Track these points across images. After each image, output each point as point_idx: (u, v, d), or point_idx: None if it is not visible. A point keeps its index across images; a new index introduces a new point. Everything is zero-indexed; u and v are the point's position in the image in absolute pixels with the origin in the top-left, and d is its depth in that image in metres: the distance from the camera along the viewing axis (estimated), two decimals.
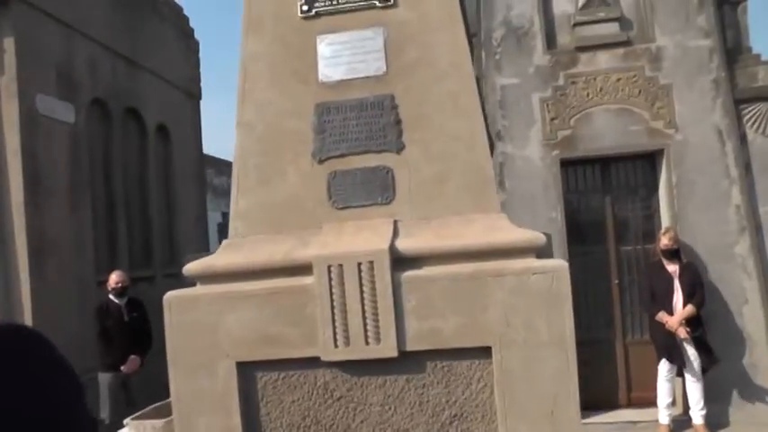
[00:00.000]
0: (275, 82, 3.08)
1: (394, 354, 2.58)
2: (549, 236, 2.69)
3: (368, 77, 2.96)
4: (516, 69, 6.44)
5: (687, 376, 5.76)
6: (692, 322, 5.66)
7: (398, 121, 2.89)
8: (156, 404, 3.87)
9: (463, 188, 2.72)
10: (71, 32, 8.02)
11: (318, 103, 3.01)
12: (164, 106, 10.76)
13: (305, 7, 3.05)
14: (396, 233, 2.77)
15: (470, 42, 2.98)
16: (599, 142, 6.30)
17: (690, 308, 5.66)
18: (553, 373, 2.43)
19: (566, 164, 6.45)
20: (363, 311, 2.64)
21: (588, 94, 6.29)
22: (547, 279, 2.37)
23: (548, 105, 6.36)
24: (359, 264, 2.66)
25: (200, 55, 13.35)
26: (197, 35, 13.04)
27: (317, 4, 3.04)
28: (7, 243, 6.86)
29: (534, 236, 2.49)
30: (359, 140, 2.96)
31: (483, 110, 2.79)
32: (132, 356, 6.56)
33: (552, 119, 6.36)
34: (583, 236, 6.70)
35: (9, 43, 6.97)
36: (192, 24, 12.74)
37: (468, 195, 2.71)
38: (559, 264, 2.40)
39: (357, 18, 2.98)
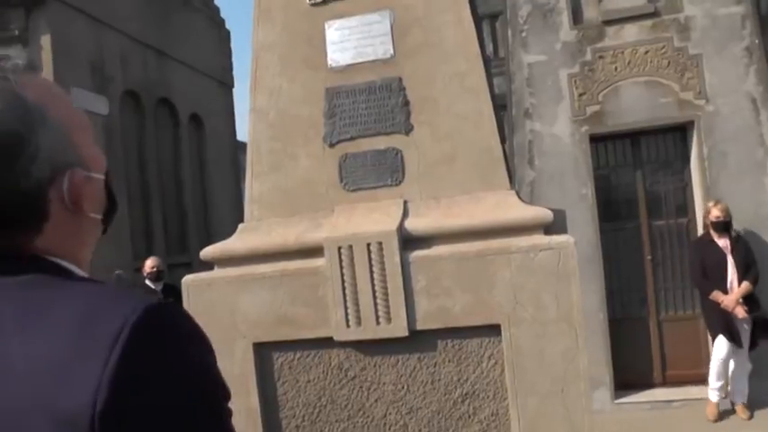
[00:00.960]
0: (285, 69, 3.12)
1: (405, 333, 2.62)
2: (561, 212, 2.67)
3: (375, 61, 2.96)
4: (543, 46, 6.35)
5: (736, 355, 5.59)
6: (748, 300, 5.48)
7: (406, 103, 2.89)
8: None
9: (471, 167, 2.72)
10: (102, 27, 8.22)
11: (328, 87, 3.03)
12: (196, 96, 10.95)
13: None
14: (405, 213, 2.79)
15: (478, 22, 2.95)
16: (628, 116, 6.18)
17: (746, 285, 5.47)
18: (562, 351, 2.42)
19: (595, 139, 6.36)
20: (374, 292, 2.68)
21: (616, 68, 6.17)
22: (554, 255, 2.36)
23: (575, 81, 6.26)
24: (368, 245, 2.69)
25: (233, 43, 13.46)
26: (230, 23, 13.17)
27: None
28: None
29: (541, 212, 2.48)
30: (368, 123, 2.98)
31: (491, 89, 2.77)
32: None
33: (580, 95, 6.26)
34: (614, 212, 6.61)
35: (46, 40, 7.19)
36: (223, 14, 12.87)
37: (477, 174, 2.70)
38: (566, 240, 2.39)
39: (364, 2, 2.99)
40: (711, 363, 5.65)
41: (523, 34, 6.33)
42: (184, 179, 10.45)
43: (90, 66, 7.89)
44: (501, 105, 6.92)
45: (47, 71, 7.09)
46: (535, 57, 6.27)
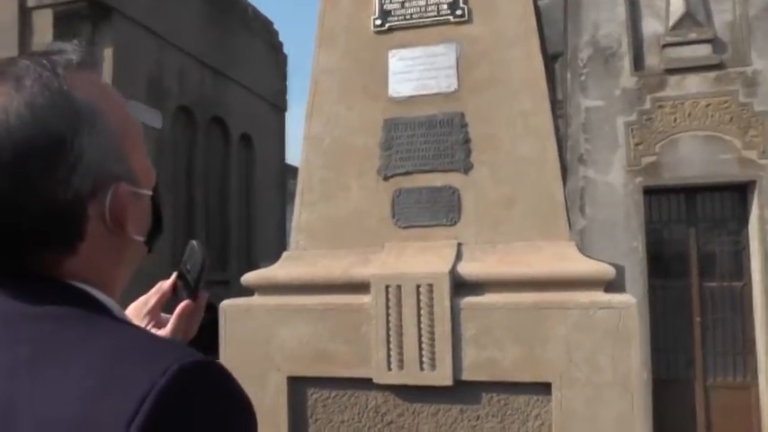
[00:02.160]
0: (344, 96, 3.05)
1: (449, 382, 2.48)
2: (621, 268, 2.52)
3: (438, 94, 2.88)
4: (602, 91, 6.21)
5: None
6: None
7: (467, 140, 2.79)
8: None
9: (531, 213, 2.59)
10: (163, 43, 8.38)
11: (387, 118, 2.95)
12: (249, 116, 11.06)
13: (378, 21, 3.01)
14: (459, 256, 2.67)
15: (547, 59, 2.85)
16: (685, 170, 5.97)
17: None
18: (617, 417, 2.25)
19: (649, 192, 6.15)
20: (420, 335, 2.55)
21: (675, 119, 5.98)
22: (614, 315, 2.20)
23: (633, 130, 6.09)
24: (417, 286, 2.57)
25: (289, 67, 13.67)
26: (287, 48, 13.40)
27: (390, 19, 3.00)
28: None
29: (603, 268, 2.33)
30: (426, 158, 2.88)
31: (557, 131, 2.65)
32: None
33: (637, 144, 6.08)
34: (665, 268, 6.35)
35: (108, 53, 7.34)
36: (281, 38, 13.10)
37: (537, 221, 2.57)
38: (627, 299, 2.23)
39: (430, 33, 2.92)
40: None
41: (582, 78, 6.21)
42: (230, 198, 10.50)
43: (148, 79, 8.03)
44: None
45: (106, 82, 7.24)
46: (593, 102, 6.13)
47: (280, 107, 12.78)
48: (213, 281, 9.09)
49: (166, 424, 0.60)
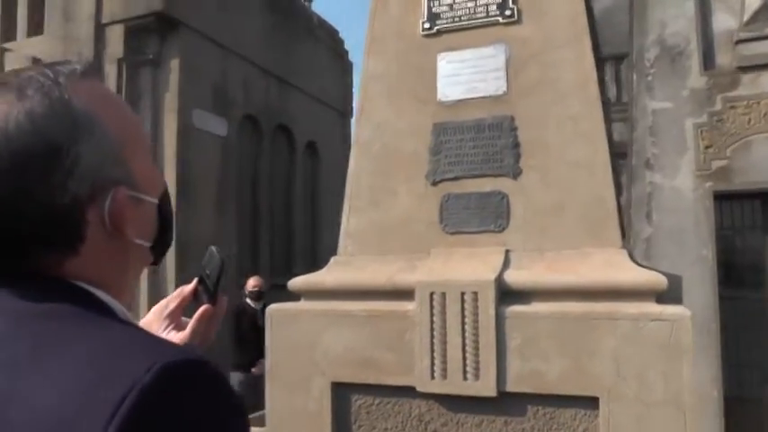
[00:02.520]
0: (393, 101, 3.03)
1: (493, 393, 2.41)
2: (677, 278, 2.39)
3: (487, 97, 2.82)
4: (669, 92, 5.95)
5: None
6: None
7: (516, 145, 2.72)
8: (262, 412, 3.94)
9: (581, 219, 2.49)
10: (229, 54, 8.60)
11: (436, 123, 2.91)
12: (314, 124, 11.22)
13: (426, 25, 2.98)
14: (506, 264, 2.60)
15: (599, 60, 2.74)
16: (759, 175, 5.63)
17: None
18: None
19: (720, 197, 5.83)
20: (464, 344, 2.49)
21: (749, 121, 5.66)
22: (665, 328, 2.08)
23: (702, 132, 5.81)
24: (462, 293, 2.51)
25: (355, 74, 13.83)
26: (353, 55, 13.54)
27: (438, 22, 2.96)
28: None
29: (655, 277, 2.21)
30: (474, 163, 2.82)
31: (609, 135, 2.54)
32: (262, 359, 6.84)
33: (707, 147, 5.79)
34: (737, 278, 6.01)
35: (174, 63, 7.60)
36: (347, 45, 13.25)
37: (586, 227, 2.47)
38: (681, 312, 2.11)
39: (479, 35, 2.86)
40: None
41: (649, 78, 5.97)
42: (295, 204, 10.66)
43: (213, 89, 8.26)
44: (621, 153, 6.55)
45: (172, 91, 7.48)
46: (660, 103, 5.88)
47: (345, 114, 12.92)
48: (278, 285, 9.23)
49: (146, 421, 0.60)
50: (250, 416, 4.41)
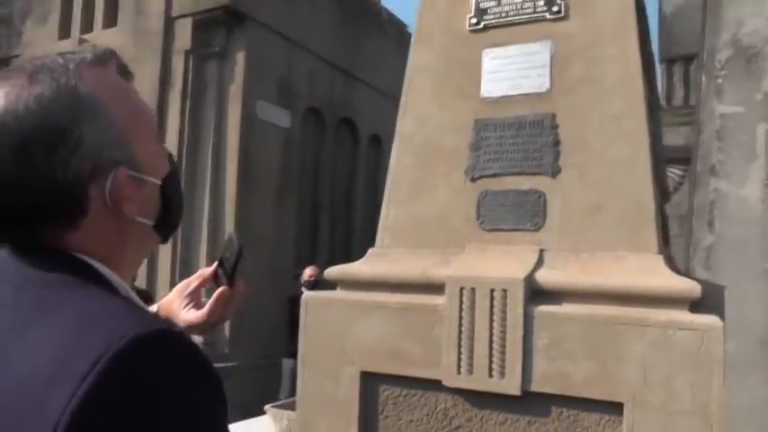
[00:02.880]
0: (437, 95, 3.03)
1: (516, 392, 2.38)
2: (719, 288, 2.29)
3: (529, 94, 2.78)
4: (741, 95, 5.67)
5: None
6: None
7: (556, 143, 2.67)
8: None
9: (618, 222, 2.42)
10: (295, 47, 8.76)
11: (478, 119, 2.89)
12: (378, 118, 11.29)
13: (474, 20, 2.96)
14: (539, 263, 2.56)
15: (648, 58, 2.65)
16: None
17: None
18: None
19: None
20: (491, 341, 2.47)
21: None
22: (695, 337, 2.00)
23: None
24: (492, 290, 2.49)
25: None
26: None
27: (485, 17, 2.93)
28: (218, 232, 7.66)
29: (688, 285, 2.12)
30: (514, 160, 2.79)
31: (654, 136, 2.46)
32: None
33: None
34: None
35: (240, 56, 7.81)
36: None
37: (623, 230, 2.40)
38: (712, 322, 2.02)
39: (525, 31, 2.82)
40: None
41: (719, 81, 5.71)
42: (356, 196, 10.78)
43: (278, 82, 8.43)
44: (684, 159, 6.29)
45: (237, 83, 7.70)
46: (730, 107, 5.61)
47: None
48: None
49: (116, 384, 0.66)
50: (288, 400, 4.49)
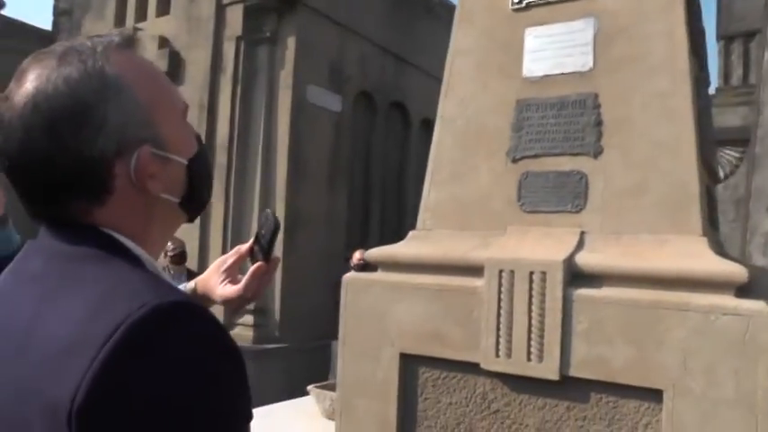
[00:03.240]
0: (479, 76, 2.99)
1: (555, 377, 2.35)
2: (766, 272, 2.19)
3: (572, 73, 2.71)
4: None
5: None
6: None
7: (599, 123, 2.60)
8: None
9: (661, 203, 2.35)
10: (346, 31, 8.77)
11: (519, 99, 2.85)
12: (430, 101, 11.18)
13: None
14: (580, 245, 2.51)
15: (697, 35, 2.55)
16: None
17: None
18: None
19: None
20: (529, 325, 2.44)
21: None
22: (740, 323, 1.92)
23: None
24: (531, 273, 2.46)
25: None
26: None
27: None
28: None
29: (734, 268, 2.04)
30: (555, 141, 2.74)
31: (702, 115, 2.36)
32: None
33: None
34: None
35: (291, 42, 7.87)
36: None
37: (666, 212, 2.33)
38: (760, 307, 1.93)
39: (568, 9, 2.75)
40: None
41: None
42: (407, 180, 10.76)
43: (329, 66, 8.47)
44: (742, 140, 6.03)
45: (288, 68, 7.77)
46: None
47: None
48: None
49: (133, 350, 0.69)
50: (331, 382, 4.56)
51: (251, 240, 1.27)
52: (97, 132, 0.81)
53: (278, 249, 7.80)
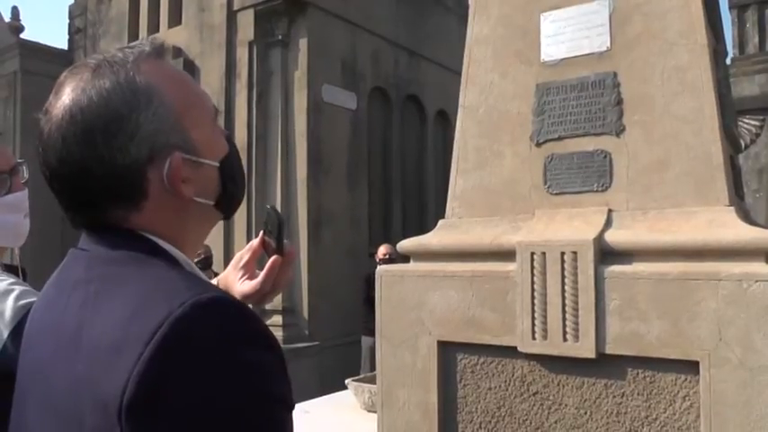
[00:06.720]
0: (498, 63, 3.03)
1: (591, 355, 2.39)
2: None
3: (590, 54, 2.74)
4: None
5: None
6: None
7: (619, 101, 2.63)
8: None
9: (685, 176, 2.37)
10: (357, 30, 8.82)
11: (539, 83, 2.88)
12: (444, 92, 11.24)
13: None
14: (608, 223, 2.54)
15: (709, 3, 2.56)
16: None
17: None
18: None
19: None
20: (564, 305, 2.48)
21: None
22: None
23: None
24: (562, 253, 2.50)
25: None
26: None
27: None
28: (292, 215, 7.87)
29: (765, 235, 2.07)
30: (578, 122, 2.77)
31: (721, 85, 2.38)
32: None
33: None
34: None
35: (303, 43, 7.94)
36: None
37: (691, 185, 2.35)
38: None
39: None
40: None
41: None
42: (427, 173, 10.80)
43: (342, 64, 8.53)
44: (761, 108, 5.98)
45: (302, 69, 7.84)
46: None
47: None
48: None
49: (177, 347, 0.73)
50: (368, 374, 4.63)
51: (259, 236, 1.30)
52: (130, 140, 0.84)
53: (302, 248, 7.91)
